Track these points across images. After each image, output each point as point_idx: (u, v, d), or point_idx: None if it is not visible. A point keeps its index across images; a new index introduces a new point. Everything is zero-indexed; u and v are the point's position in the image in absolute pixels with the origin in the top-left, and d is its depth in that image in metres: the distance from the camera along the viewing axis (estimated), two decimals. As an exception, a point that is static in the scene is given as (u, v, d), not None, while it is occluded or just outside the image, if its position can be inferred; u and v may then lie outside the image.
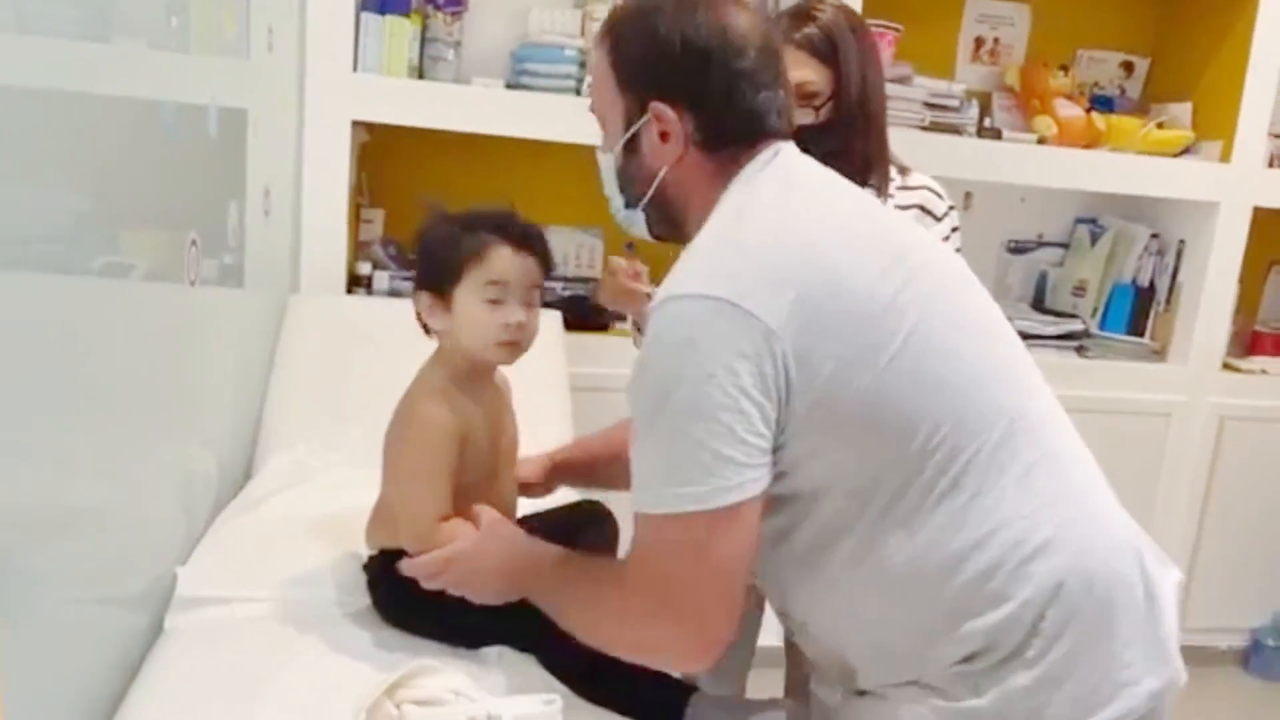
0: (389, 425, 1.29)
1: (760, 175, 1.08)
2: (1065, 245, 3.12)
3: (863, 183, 1.70)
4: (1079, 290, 3.03)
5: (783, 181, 1.08)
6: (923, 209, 1.70)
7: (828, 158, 1.70)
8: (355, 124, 2.37)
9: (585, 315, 2.57)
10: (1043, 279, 3.12)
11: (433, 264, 1.29)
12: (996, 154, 2.71)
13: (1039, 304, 3.10)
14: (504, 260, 1.28)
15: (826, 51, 1.64)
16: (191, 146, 1.38)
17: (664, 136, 1.08)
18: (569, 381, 2.24)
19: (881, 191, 1.70)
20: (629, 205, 1.16)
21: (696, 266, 1.02)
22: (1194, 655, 2.95)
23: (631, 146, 1.11)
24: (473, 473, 1.28)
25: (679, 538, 0.98)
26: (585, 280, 2.78)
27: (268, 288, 2.03)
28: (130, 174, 1.17)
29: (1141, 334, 2.95)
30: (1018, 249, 3.12)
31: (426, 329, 1.32)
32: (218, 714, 1.09)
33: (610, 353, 2.45)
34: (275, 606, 1.31)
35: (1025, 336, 2.83)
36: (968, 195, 3.03)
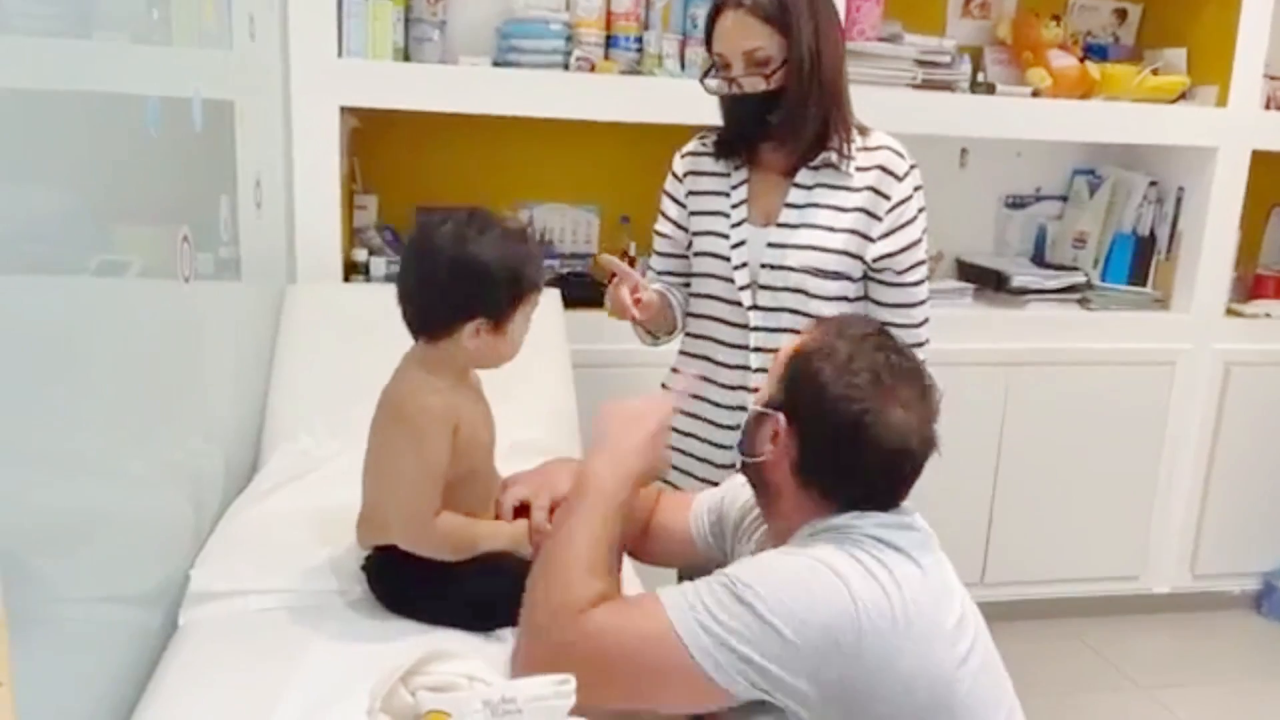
0: (374, 423, 1.28)
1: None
2: (1064, 198, 3.10)
3: (821, 148, 1.69)
4: (1079, 242, 3.01)
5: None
6: (883, 169, 1.69)
7: (783, 125, 1.72)
8: (344, 110, 2.35)
9: (583, 293, 2.56)
10: (1042, 233, 3.11)
11: (497, 290, 1.23)
12: (991, 109, 2.69)
13: (1039, 258, 3.09)
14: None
15: (777, 16, 1.60)
16: (178, 141, 1.37)
17: (774, 438, 1.20)
18: (570, 359, 2.23)
19: (843, 154, 1.68)
20: (740, 447, 1.28)
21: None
22: (1206, 600, 3.02)
23: (757, 421, 1.24)
24: (463, 466, 1.27)
25: (659, 651, 1.07)
26: (582, 257, 2.77)
27: (265, 279, 2.02)
28: (117, 171, 1.16)
29: (1144, 283, 2.94)
30: (1016, 203, 3.10)
31: (429, 337, 1.27)
32: (238, 707, 1.10)
33: (610, 329, 2.43)
34: (287, 598, 1.31)
35: (1026, 292, 2.89)
36: (964, 152, 3.01)
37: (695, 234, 1.79)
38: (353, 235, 2.59)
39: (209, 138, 1.49)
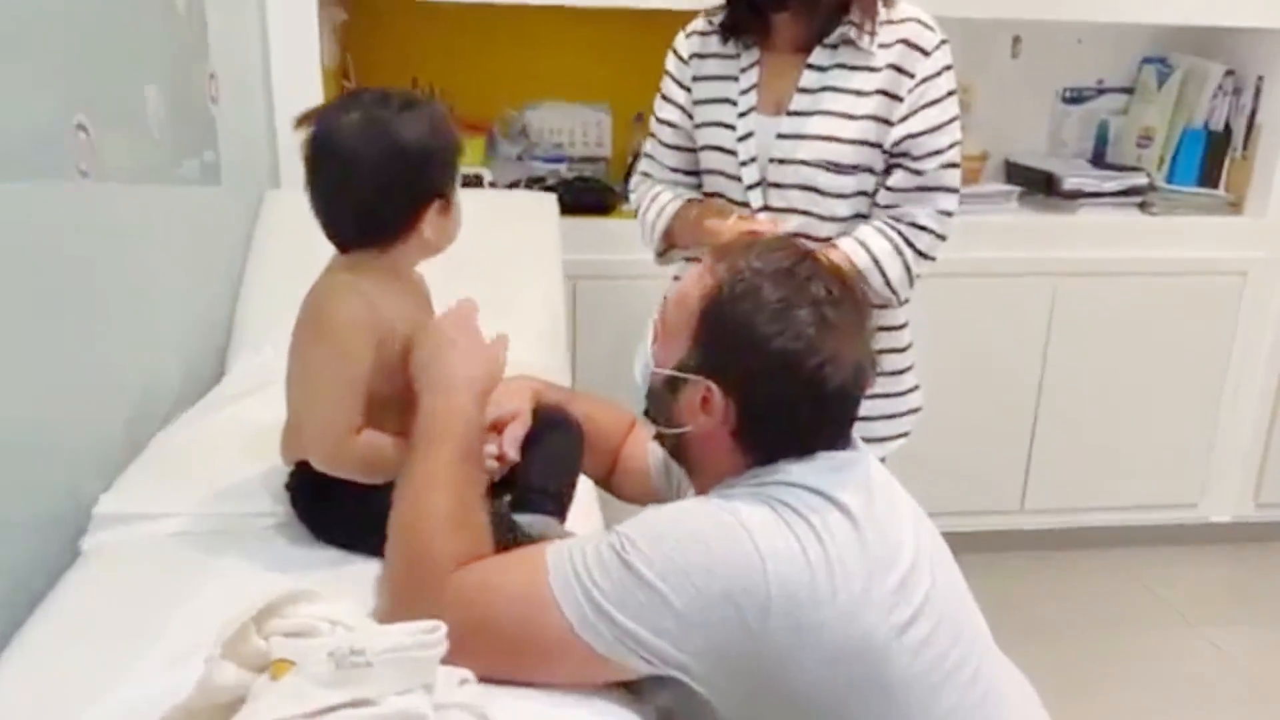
0: (294, 329, 1.15)
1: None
2: (1129, 90, 2.80)
3: (841, 19, 1.48)
4: (1144, 140, 2.73)
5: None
6: (908, 44, 1.47)
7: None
8: (330, 1, 2.19)
9: (590, 201, 2.39)
10: (1103, 129, 2.82)
11: (442, 164, 1.14)
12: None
13: (1099, 158, 2.82)
14: None
15: None
16: (66, 13, 1.22)
17: (704, 405, 1.02)
18: (563, 269, 2.08)
19: (864, 29, 1.47)
20: (650, 415, 1.11)
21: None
22: (1269, 531, 2.79)
23: (672, 387, 1.05)
24: (391, 381, 1.14)
25: (538, 620, 0.93)
26: (593, 160, 2.59)
27: (236, 182, 1.90)
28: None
29: (1215, 185, 2.66)
30: (1075, 98, 2.81)
31: (381, 245, 1.14)
32: (118, 637, 1.01)
33: (613, 237, 2.28)
34: (204, 521, 1.21)
35: (1081, 195, 2.64)
36: (1016, 40, 2.73)
37: (699, 125, 1.60)
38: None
39: (120, 16, 1.35)
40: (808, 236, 1.51)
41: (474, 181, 2.30)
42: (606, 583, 0.91)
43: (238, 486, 1.27)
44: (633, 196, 1.71)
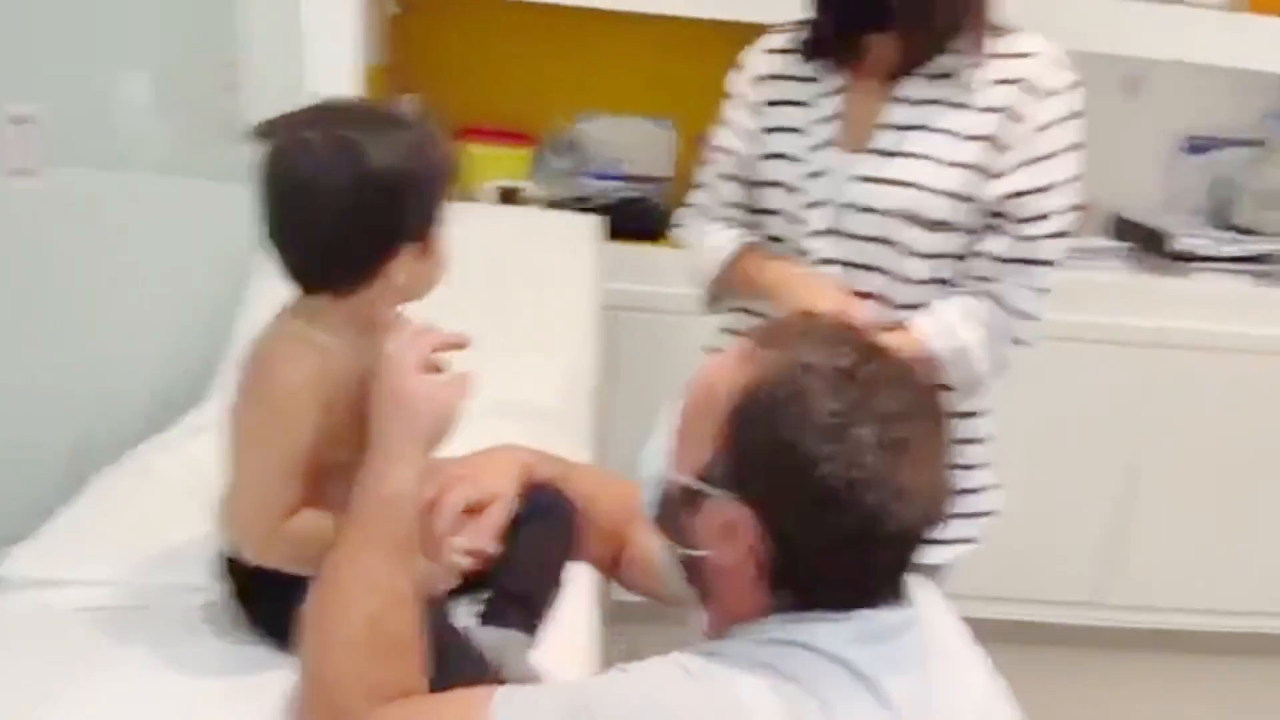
0: (238, 377, 0.95)
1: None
2: (1258, 143, 2.50)
3: (940, 48, 1.24)
4: (1274, 202, 2.43)
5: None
6: (1025, 83, 1.23)
7: (900, 14, 1.27)
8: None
9: (642, 225, 2.18)
10: (1226, 186, 2.52)
11: (422, 200, 0.93)
12: (1173, 23, 2.13)
13: (1220, 218, 2.51)
14: None
15: None
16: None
17: (728, 531, 0.79)
18: (605, 299, 1.87)
19: (969, 60, 1.23)
20: (659, 527, 0.88)
21: None
22: None
23: (689, 499, 0.82)
24: (342, 446, 0.93)
25: None
26: (650, 180, 2.38)
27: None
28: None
29: (1354, 258, 2.34)
30: (1197, 147, 2.52)
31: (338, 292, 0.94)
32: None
33: (664, 267, 2.05)
34: (119, 592, 1.02)
35: (1195, 258, 2.35)
36: (1133, 80, 2.45)
37: (763, 157, 1.37)
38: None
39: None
40: (883, 299, 1.28)
41: (511, 196, 2.11)
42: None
43: (174, 550, 1.08)
44: (680, 232, 1.49)
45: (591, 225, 1.96)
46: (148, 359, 1.42)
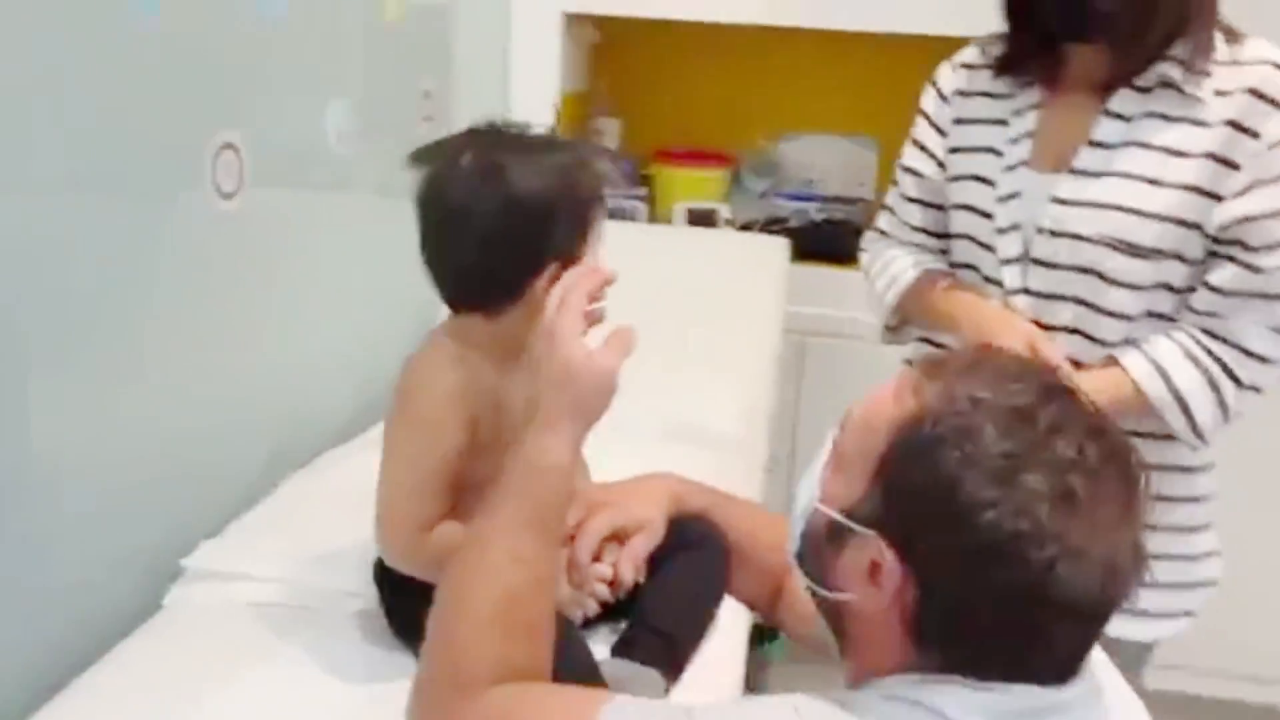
0: (393, 398, 0.99)
1: None
2: None
3: (1162, 53, 1.12)
4: None
5: None
6: (1256, 94, 1.09)
7: (1126, 12, 1.14)
8: (577, 19, 2.08)
9: (836, 247, 2.11)
10: None
11: (564, 222, 0.93)
12: None
13: None
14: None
15: None
16: (215, 35, 1.15)
17: (873, 574, 0.73)
18: (792, 323, 1.82)
19: (1193, 68, 1.10)
20: (800, 563, 0.82)
21: None
22: None
23: (835, 535, 0.76)
24: (489, 463, 0.94)
25: None
26: (849, 201, 2.31)
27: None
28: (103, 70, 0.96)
29: None
30: None
31: (487, 313, 0.96)
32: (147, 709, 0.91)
33: (849, 291, 1.97)
34: (284, 590, 1.08)
35: None
36: None
37: (952, 179, 1.29)
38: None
39: (290, 31, 1.27)
40: (1083, 334, 1.17)
41: (704, 219, 2.10)
42: None
43: (339, 555, 1.12)
44: (863, 257, 1.43)
45: (779, 248, 1.92)
46: (343, 374, 1.51)
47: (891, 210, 1.38)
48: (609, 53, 2.32)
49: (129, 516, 1.09)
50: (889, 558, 0.71)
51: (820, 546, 0.78)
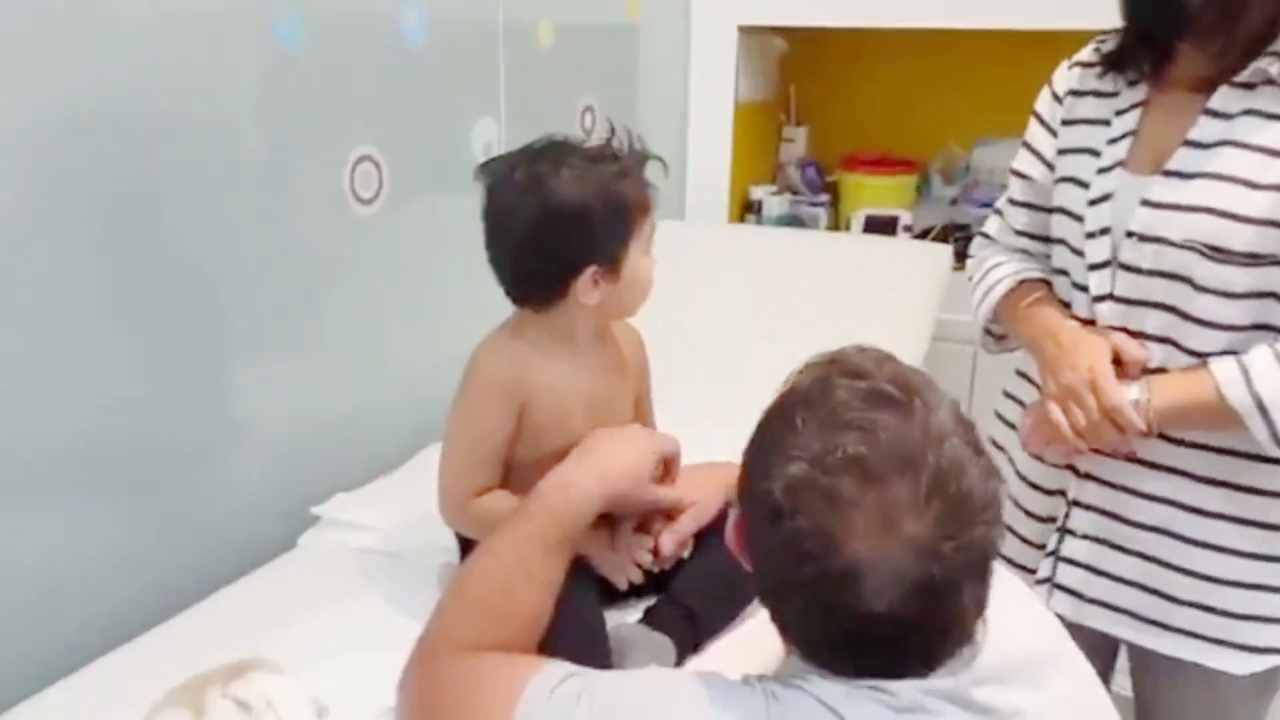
0: None
1: None
2: None
3: (1260, 51, 1.03)
4: None
5: None
6: None
7: (1209, 8, 1.06)
8: (769, 32, 2.15)
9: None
10: None
11: (600, 228, 1.04)
12: None
13: None
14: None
15: None
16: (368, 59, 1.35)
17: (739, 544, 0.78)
18: (933, 329, 1.79)
19: None
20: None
21: None
22: None
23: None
24: (541, 446, 1.07)
25: None
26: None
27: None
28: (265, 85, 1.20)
29: None
30: None
31: (535, 307, 1.09)
32: (244, 633, 1.07)
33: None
34: (387, 539, 1.25)
35: None
36: None
37: (1056, 182, 1.22)
38: (777, 169, 2.40)
39: (431, 60, 1.45)
40: (1173, 343, 1.11)
41: (884, 226, 2.09)
42: None
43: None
44: (969, 263, 1.40)
45: (941, 256, 1.88)
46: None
47: (999, 214, 1.35)
48: (797, 62, 2.36)
49: (293, 470, 1.32)
50: (738, 526, 0.75)
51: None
